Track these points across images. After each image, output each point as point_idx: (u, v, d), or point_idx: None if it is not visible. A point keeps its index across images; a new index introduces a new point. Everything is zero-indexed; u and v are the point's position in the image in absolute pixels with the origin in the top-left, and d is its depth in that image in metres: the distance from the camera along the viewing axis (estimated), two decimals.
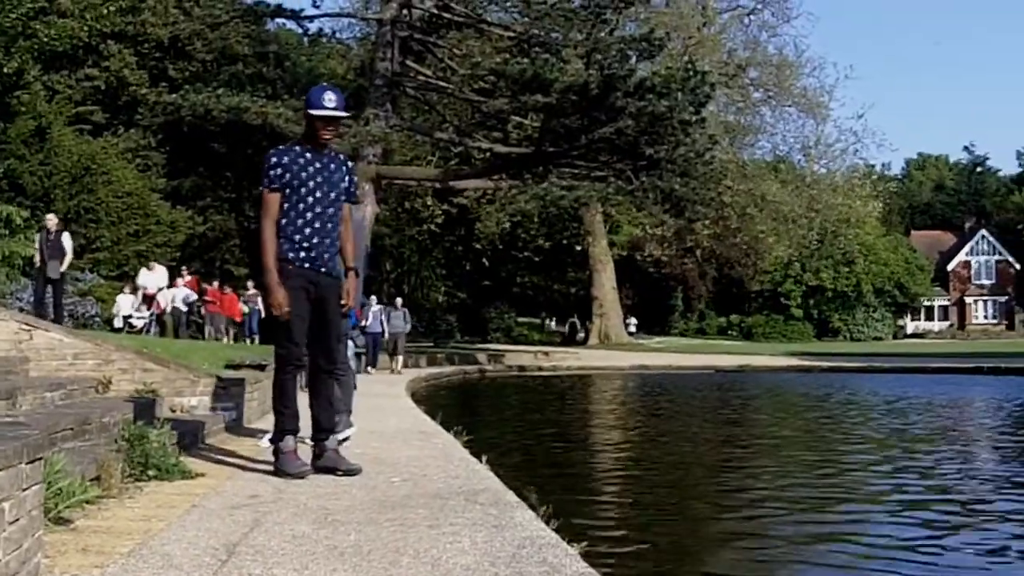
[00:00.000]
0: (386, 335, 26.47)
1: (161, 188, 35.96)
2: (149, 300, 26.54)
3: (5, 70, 25.98)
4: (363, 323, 20.45)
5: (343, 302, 6.57)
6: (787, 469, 10.95)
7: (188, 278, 28.36)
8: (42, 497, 3.65)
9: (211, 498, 5.40)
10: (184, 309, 26.96)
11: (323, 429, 6.45)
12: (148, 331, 25.17)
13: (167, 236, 33.95)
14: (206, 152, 39.29)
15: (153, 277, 26.91)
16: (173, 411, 9.26)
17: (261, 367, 11.98)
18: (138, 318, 26.09)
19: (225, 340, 27.15)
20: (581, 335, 61.75)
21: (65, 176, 31.22)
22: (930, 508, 8.44)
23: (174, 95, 29.70)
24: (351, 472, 6.34)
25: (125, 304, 26.47)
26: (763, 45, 53.17)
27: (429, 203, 47.90)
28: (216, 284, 29.55)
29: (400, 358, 26.82)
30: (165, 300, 26.44)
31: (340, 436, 7.69)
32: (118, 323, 25.91)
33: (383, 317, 26.18)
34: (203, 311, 28.84)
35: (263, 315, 27.55)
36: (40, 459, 3.56)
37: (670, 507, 8.76)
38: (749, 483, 9.93)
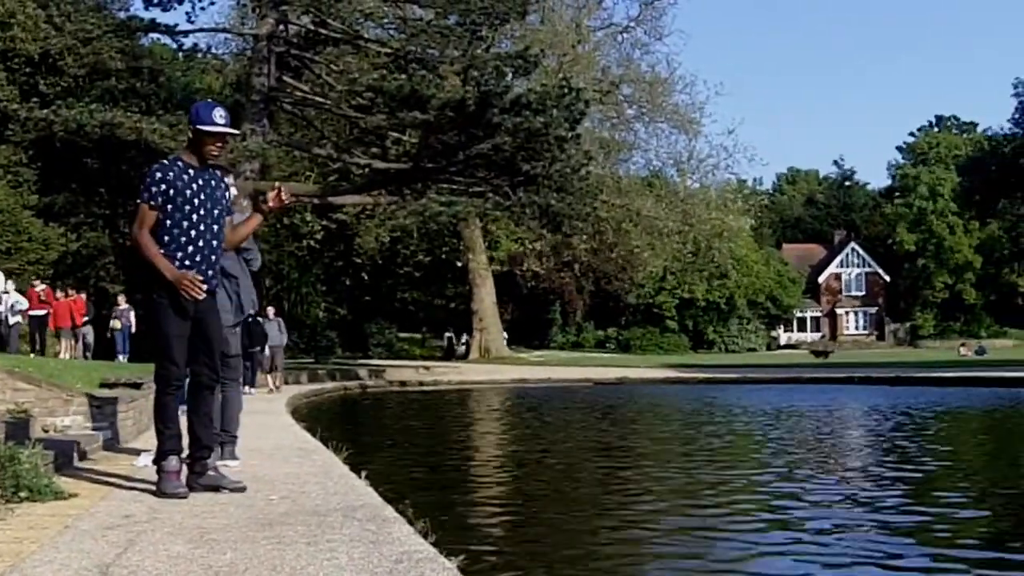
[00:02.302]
0: (266, 350, 24.55)
1: (33, 205, 35.14)
2: None
3: None
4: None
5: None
6: (666, 480, 11.15)
7: (41, 287, 26.70)
8: None
9: (84, 519, 5.35)
10: (15, 320, 25.10)
11: (204, 446, 6.41)
12: None
13: (40, 253, 33.17)
14: (79, 168, 38.48)
15: None
16: (46, 431, 9.10)
17: (136, 385, 11.84)
18: None
19: (65, 354, 25.20)
20: (461, 349, 61.80)
21: None
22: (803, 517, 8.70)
23: (46, 110, 29.07)
24: (236, 489, 6.33)
25: None
26: (636, 62, 54.11)
27: (308, 219, 47.57)
28: (75, 293, 27.69)
29: (279, 374, 25.39)
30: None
31: (232, 464, 7.64)
32: None
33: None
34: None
35: (133, 331, 26.75)
36: None
37: (548, 520, 8.87)
38: (628, 496, 10.10)
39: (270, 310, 26.17)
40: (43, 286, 26.94)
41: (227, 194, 6.61)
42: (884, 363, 48.03)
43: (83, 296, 28.25)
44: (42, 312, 26.28)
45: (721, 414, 21.68)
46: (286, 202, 6.76)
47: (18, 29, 37.30)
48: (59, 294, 27.25)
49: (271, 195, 6.78)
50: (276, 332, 24.87)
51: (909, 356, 60.86)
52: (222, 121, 6.34)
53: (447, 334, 65.95)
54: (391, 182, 30.88)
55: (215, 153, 6.40)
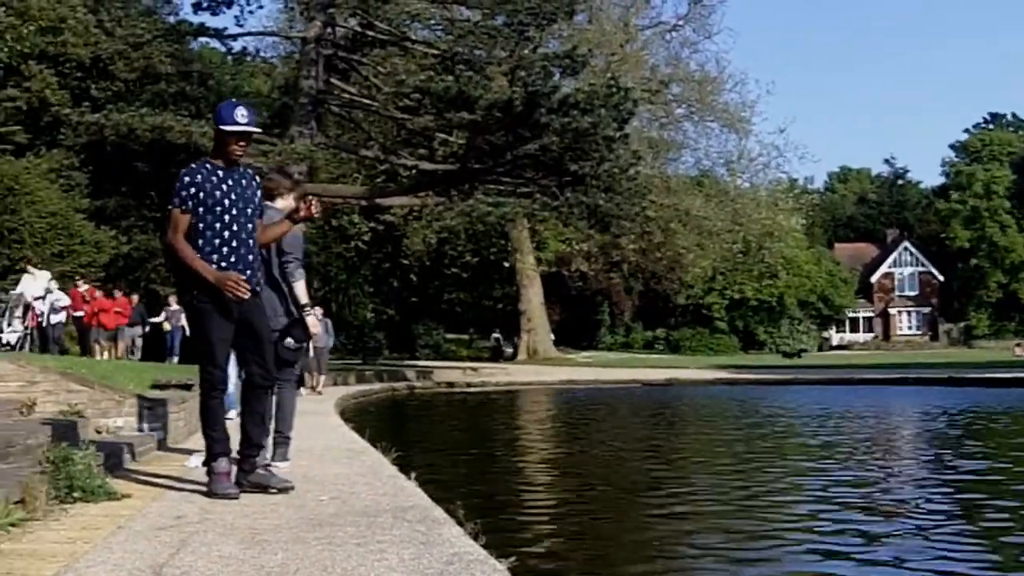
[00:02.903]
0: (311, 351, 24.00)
1: (85, 208, 35.45)
2: (25, 311, 23.76)
3: None
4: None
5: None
6: (715, 484, 11.05)
7: (85, 287, 26.34)
8: None
9: (137, 519, 5.38)
10: (58, 319, 24.54)
11: (254, 444, 6.41)
12: (23, 347, 22.39)
13: (92, 256, 33.46)
14: (130, 172, 38.85)
15: (34, 284, 24.27)
16: (98, 432, 9.18)
17: (187, 387, 11.91)
18: (10, 332, 23.20)
19: (104, 355, 24.60)
20: (509, 351, 61.73)
21: None
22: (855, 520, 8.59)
23: (97, 115, 29.36)
24: (284, 489, 6.32)
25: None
26: (685, 61, 53.97)
27: (356, 220, 47.73)
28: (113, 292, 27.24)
29: (322, 377, 24.57)
30: (41, 310, 23.96)
31: (282, 465, 7.60)
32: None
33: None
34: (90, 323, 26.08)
35: (186, 333, 26.64)
36: None
37: (598, 523, 8.82)
38: (677, 498, 10.03)
39: (318, 311, 25.78)
40: (86, 286, 26.68)
41: (259, 193, 6.60)
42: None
43: (134, 298, 28.25)
44: (83, 312, 26.01)
45: (769, 415, 21.53)
46: (315, 215, 6.72)
47: (69, 34, 37.71)
48: (98, 294, 26.89)
49: (303, 207, 6.76)
50: (323, 334, 24.04)
51: (962, 356, 60.10)
52: (243, 120, 6.30)
53: (494, 335, 65.95)
54: (438, 183, 30.94)
55: (239, 152, 6.38)
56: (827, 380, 38.23)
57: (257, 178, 6.65)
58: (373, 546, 4.64)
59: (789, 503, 9.42)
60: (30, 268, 25.31)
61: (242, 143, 6.38)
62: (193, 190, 6.23)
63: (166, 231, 6.54)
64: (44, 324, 24.27)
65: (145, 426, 9.74)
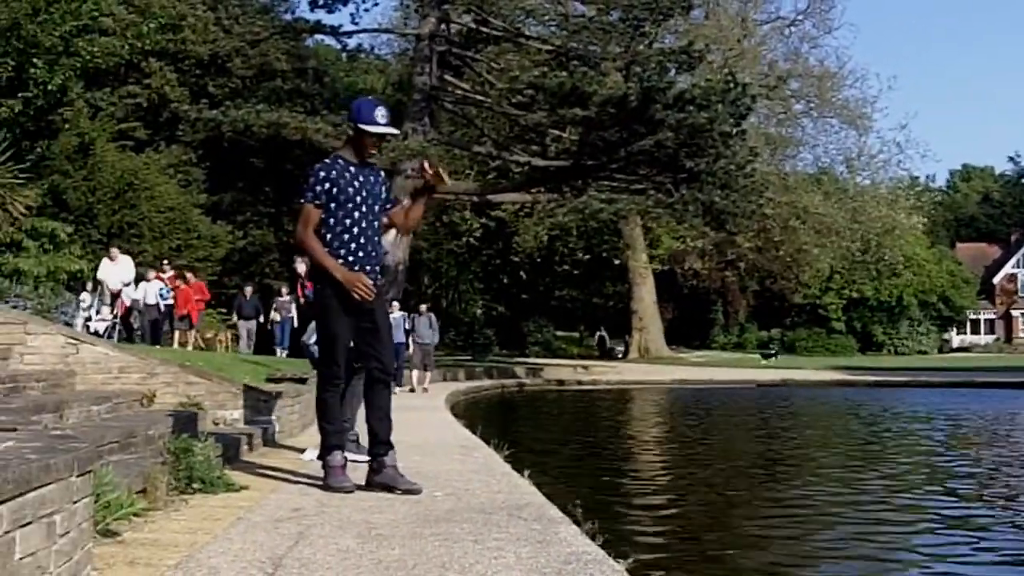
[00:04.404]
0: (411, 347, 23.26)
1: (202, 203, 36.15)
2: (113, 298, 22.89)
3: (49, 87, 25.96)
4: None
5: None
6: (834, 486, 10.83)
7: (169, 272, 25.47)
8: (91, 510, 3.67)
9: (255, 511, 5.42)
10: (162, 308, 23.92)
11: (381, 442, 6.33)
12: (110, 336, 21.45)
13: (208, 251, 34.11)
14: (246, 167, 39.57)
15: (116, 270, 23.11)
16: (216, 424, 9.31)
17: (302, 380, 12.02)
18: (98, 320, 22.62)
19: (176, 343, 23.82)
20: (620, 349, 61.43)
21: (108, 192, 31.47)
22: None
23: (214, 111, 29.93)
24: (411, 491, 6.17)
25: (87, 303, 23.24)
26: (804, 56, 53.21)
27: (467, 216, 47.96)
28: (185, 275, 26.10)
29: (428, 374, 24.08)
30: (129, 299, 23.32)
31: (359, 459, 7.55)
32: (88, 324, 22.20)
33: (407, 326, 22.88)
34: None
35: (295, 324, 26.43)
36: (89, 472, 3.58)
37: (716, 523, 8.71)
38: (796, 499, 9.86)
39: (423, 307, 25.71)
40: (171, 272, 25.83)
41: (385, 190, 6.57)
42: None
43: (248, 289, 27.95)
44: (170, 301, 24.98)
45: (888, 419, 21.08)
46: (441, 171, 6.64)
47: (189, 32, 38.54)
48: (178, 281, 25.69)
49: (427, 167, 6.65)
50: (426, 329, 24.03)
51: None
52: (383, 121, 6.29)
53: (599, 333, 65.71)
54: (551, 180, 30.87)
55: (373, 151, 6.39)
56: (947, 383, 37.29)
57: (383, 174, 6.64)
58: (490, 543, 4.60)
59: (908, 511, 9.18)
60: (112, 251, 24.13)
61: (378, 143, 6.41)
62: (328, 185, 6.22)
63: (290, 224, 6.57)
64: (136, 312, 23.88)
65: (260, 419, 9.85)
